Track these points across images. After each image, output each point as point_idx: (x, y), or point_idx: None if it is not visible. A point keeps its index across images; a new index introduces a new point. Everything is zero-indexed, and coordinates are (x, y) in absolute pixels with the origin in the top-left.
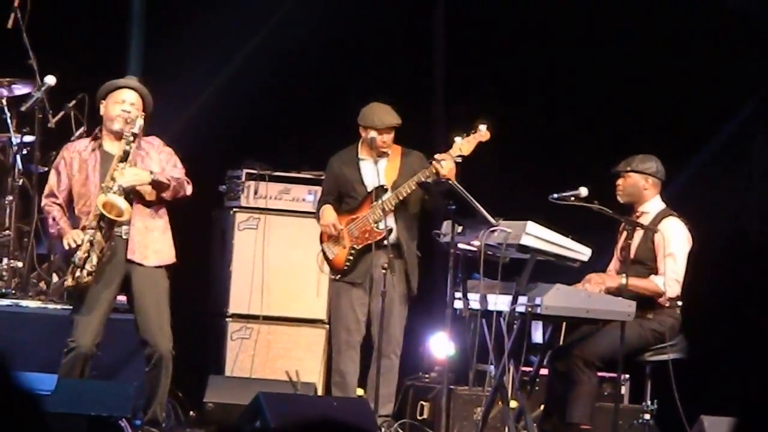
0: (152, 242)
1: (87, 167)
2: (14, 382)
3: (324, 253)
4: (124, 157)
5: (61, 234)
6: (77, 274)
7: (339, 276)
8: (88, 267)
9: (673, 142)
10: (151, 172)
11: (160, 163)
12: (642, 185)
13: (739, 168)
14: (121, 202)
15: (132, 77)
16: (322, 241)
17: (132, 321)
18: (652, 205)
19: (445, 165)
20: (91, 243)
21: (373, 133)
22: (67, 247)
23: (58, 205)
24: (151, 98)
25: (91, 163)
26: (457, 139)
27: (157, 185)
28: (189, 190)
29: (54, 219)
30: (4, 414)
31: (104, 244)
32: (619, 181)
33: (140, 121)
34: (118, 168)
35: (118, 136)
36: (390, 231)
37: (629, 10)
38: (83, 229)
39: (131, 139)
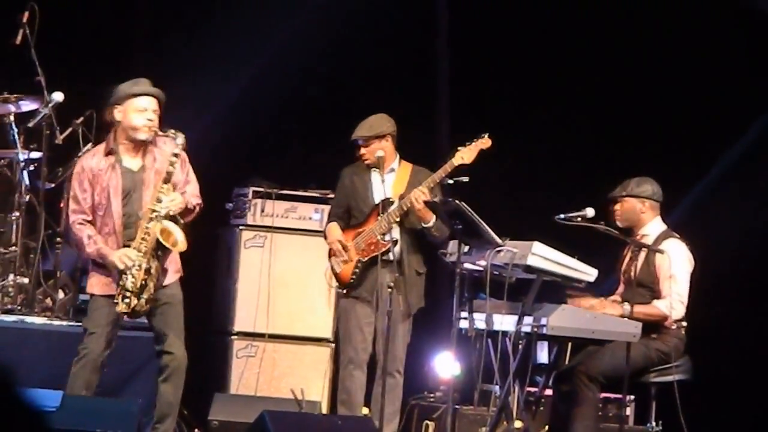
0: (170, 260)
1: (107, 186)
2: (20, 399)
3: (332, 268)
4: (168, 179)
5: (102, 254)
6: (134, 302)
7: (346, 290)
8: (145, 296)
9: (680, 163)
10: (187, 201)
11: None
12: (639, 209)
13: (746, 189)
14: (179, 233)
15: (144, 81)
16: (330, 257)
17: (137, 339)
18: (652, 227)
19: (417, 199)
20: (148, 271)
21: None
22: (122, 267)
23: (90, 222)
24: (164, 98)
25: (112, 183)
26: (460, 149)
27: (185, 211)
28: (196, 204)
29: (89, 237)
30: (9, 430)
31: (160, 271)
32: (617, 207)
33: (181, 139)
34: (163, 190)
35: (139, 146)
36: (396, 242)
37: (637, 28)
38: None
39: (175, 160)
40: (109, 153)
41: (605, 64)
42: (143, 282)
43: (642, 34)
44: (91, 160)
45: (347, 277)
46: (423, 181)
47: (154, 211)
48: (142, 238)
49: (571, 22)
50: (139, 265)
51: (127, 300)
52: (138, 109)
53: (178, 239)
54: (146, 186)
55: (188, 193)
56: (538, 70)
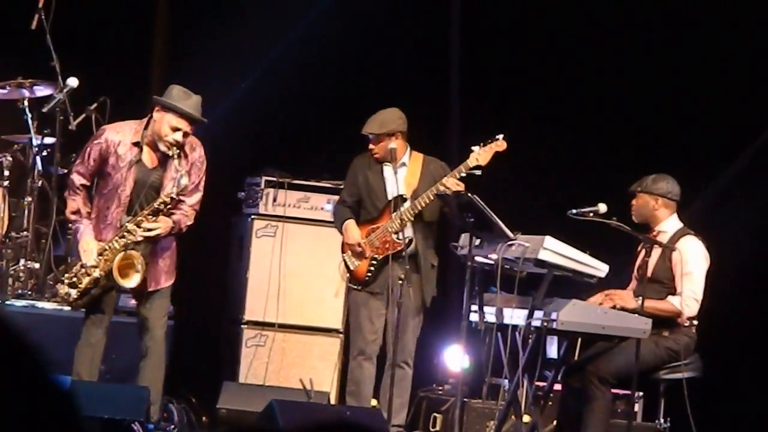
0: (164, 263)
1: (120, 178)
2: (53, 384)
3: (345, 264)
4: (156, 213)
5: (77, 236)
6: (73, 296)
7: (360, 286)
8: (85, 299)
9: (695, 161)
10: (172, 226)
11: (179, 177)
12: (652, 206)
13: (761, 187)
14: (137, 277)
15: (196, 99)
16: (343, 251)
17: None
18: (669, 224)
19: (449, 185)
20: (97, 281)
21: None
22: (78, 260)
23: (86, 188)
24: (202, 122)
25: (128, 175)
26: (475, 149)
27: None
28: (187, 225)
29: (78, 211)
30: (42, 415)
31: (106, 286)
32: (633, 201)
33: (185, 181)
34: (147, 219)
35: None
36: (410, 241)
37: (652, 25)
38: (101, 239)
39: (168, 200)
40: (136, 144)
41: (621, 58)
42: (89, 286)
43: (660, 27)
44: (116, 135)
45: (362, 275)
46: (435, 173)
47: (129, 232)
48: (109, 247)
49: (586, 17)
50: (92, 269)
51: (72, 296)
52: (173, 125)
53: (132, 279)
54: (153, 186)
55: (187, 203)
56: (552, 64)
